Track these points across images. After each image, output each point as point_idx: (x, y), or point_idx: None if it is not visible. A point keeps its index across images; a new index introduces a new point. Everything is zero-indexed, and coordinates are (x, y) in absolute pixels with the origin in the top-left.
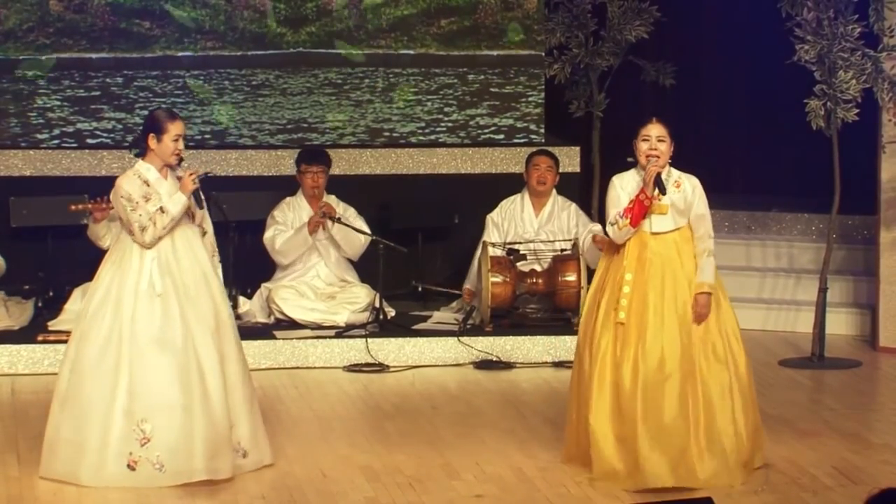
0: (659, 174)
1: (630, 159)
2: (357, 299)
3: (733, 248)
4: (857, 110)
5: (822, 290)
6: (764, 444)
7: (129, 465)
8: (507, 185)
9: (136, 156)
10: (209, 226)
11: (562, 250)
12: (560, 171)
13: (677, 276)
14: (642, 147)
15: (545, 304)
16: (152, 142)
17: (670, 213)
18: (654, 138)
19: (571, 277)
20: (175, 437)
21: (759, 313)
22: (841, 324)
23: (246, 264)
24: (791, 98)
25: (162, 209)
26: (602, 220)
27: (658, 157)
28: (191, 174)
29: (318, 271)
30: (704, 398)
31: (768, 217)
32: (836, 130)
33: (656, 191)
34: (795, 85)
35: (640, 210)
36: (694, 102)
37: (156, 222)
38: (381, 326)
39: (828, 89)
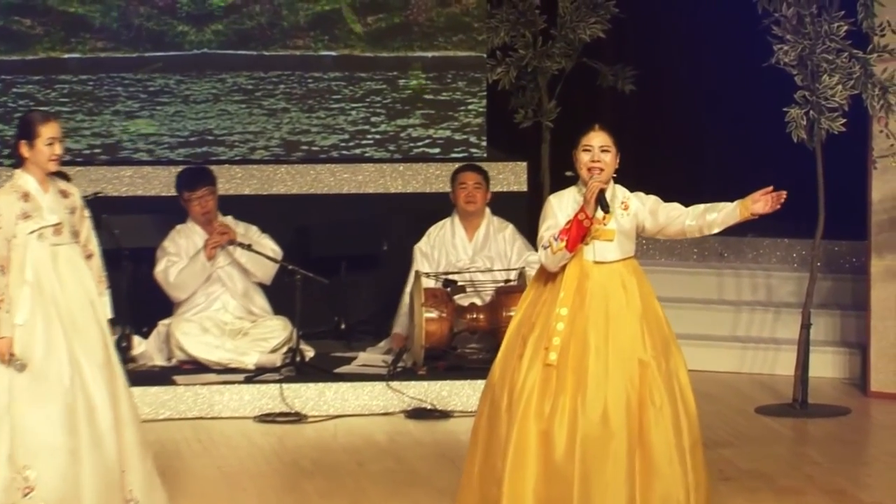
0: (602, 190)
1: (569, 173)
2: (272, 335)
3: (703, 278)
4: (844, 120)
5: (805, 327)
6: None
7: None
8: (444, 205)
9: (13, 166)
10: (95, 247)
11: (506, 281)
12: (505, 189)
13: (622, 314)
14: (583, 158)
15: (487, 344)
16: (24, 149)
17: (617, 240)
18: (597, 148)
19: None
20: (60, 485)
21: (732, 353)
22: (826, 365)
23: (142, 299)
24: (768, 106)
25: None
26: None
27: (602, 169)
28: None
29: (224, 303)
30: (651, 461)
31: (743, 242)
32: (819, 143)
33: (599, 210)
34: (773, 91)
35: (578, 232)
36: (657, 111)
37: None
38: (298, 370)
39: (810, 96)
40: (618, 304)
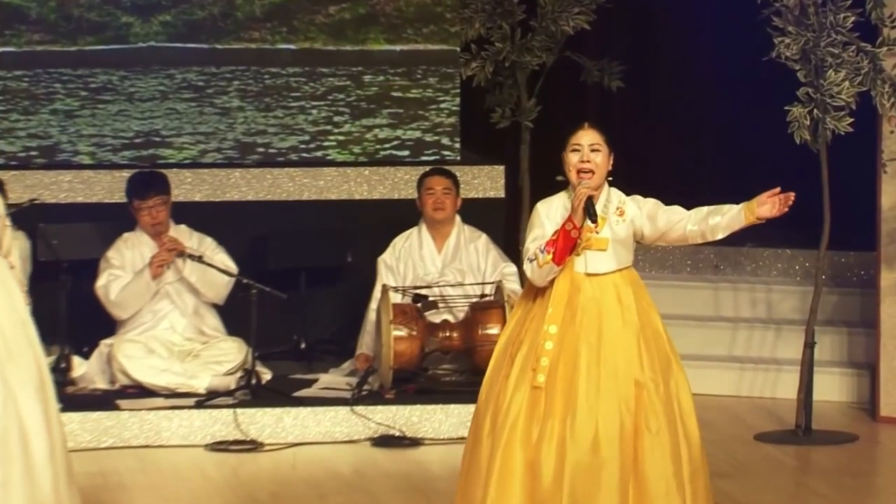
0: (591, 197)
1: (560, 178)
2: (225, 357)
3: (697, 292)
4: (851, 120)
5: (809, 346)
6: None
7: None
8: (414, 213)
9: None
10: (16, 258)
11: (481, 295)
12: (480, 195)
13: (617, 331)
14: (571, 160)
15: (462, 365)
16: None
17: (611, 250)
18: (587, 147)
19: (494, 330)
20: None
21: (729, 375)
22: (832, 388)
23: (83, 315)
24: (769, 105)
25: None
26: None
27: (591, 171)
28: None
29: (172, 322)
30: (646, 492)
31: (741, 253)
32: (824, 144)
33: (587, 219)
34: (774, 88)
35: (565, 243)
36: (647, 110)
37: None
38: (254, 393)
39: (814, 93)
40: (612, 319)
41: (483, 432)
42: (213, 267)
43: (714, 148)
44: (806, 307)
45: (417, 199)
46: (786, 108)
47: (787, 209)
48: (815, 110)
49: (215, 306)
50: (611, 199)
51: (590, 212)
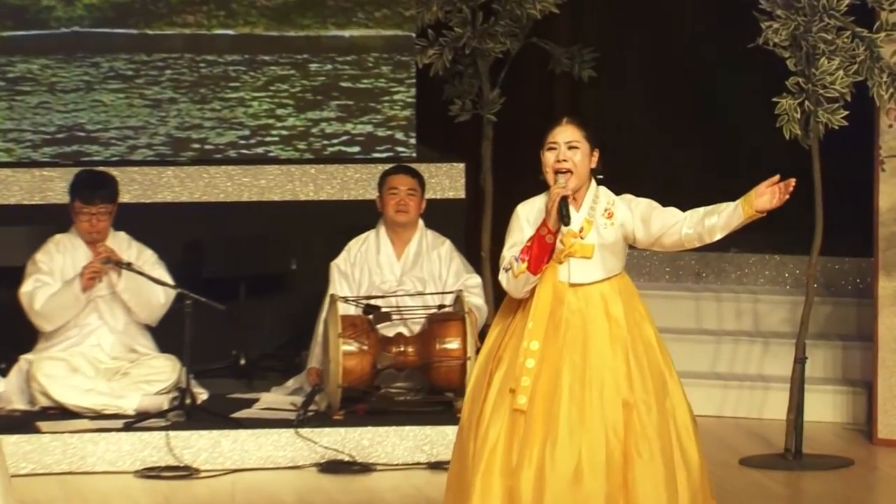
0: (565, 197)
1: (541, 177)
2: (156, 376)
3: (677, 303)
4: (846, 112)
5: (800, 361)
6: None
7: None
8: (365, 216)
9: None
10: None
11: (440, 307)
12: (439, 196)
13: (604, 347)
14: (548, 159)
15: (417, 383)
16: None
17: (598, 257)
18: (563, 145)
19: (454, 345)
20: None
21: (712, 393)
22: (825, 407)
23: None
24: (756, 96)
25: None
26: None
27: (569, 171)
28: None
29: (100, 339)
30: None
31: (724, 259)
32: (817, 140)
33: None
34: (761, 78)
35: (540, 250)
36: (622, 102)
37: None
38: (189, 414)
39: (805, 83)
40: (599, 334)
41: (468, 456)
42: (144, 275)
43: (696, 143)
44: (796, 319)
45: (378, 199)
46: (774, 99)
47: (787, 197)
48: (807, 102)
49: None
50: (598, 199)
51: (562, 213)
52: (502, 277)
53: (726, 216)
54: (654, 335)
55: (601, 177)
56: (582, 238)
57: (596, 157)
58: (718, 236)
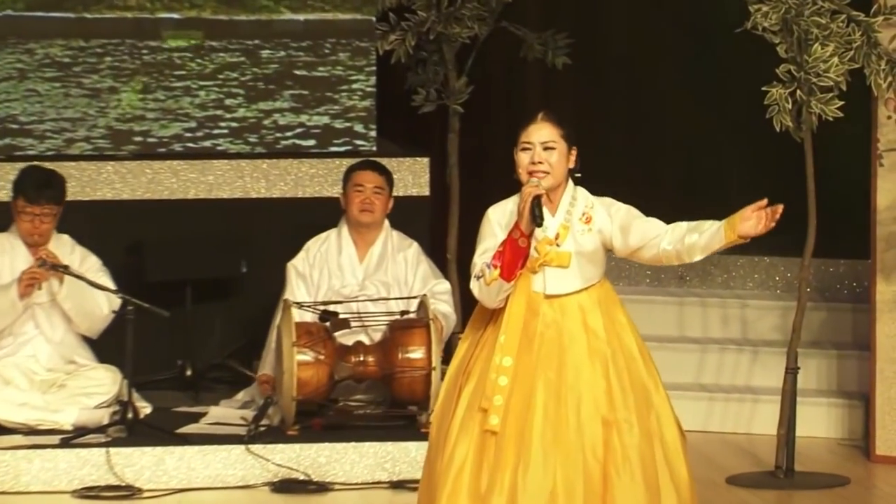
0: (538, 197)
1: (517, 176)
2: (96, 388)
3: (658, 308)
4: (841, 103)
5: (791, 372)
6: None
7: None
8: (322, 214)
9: None
10: None
11: (402, 312)
12: (401, 193)
13: (582, 362)
14: (522, 160)
15: (378, 395)
16: None
17: (575, 265)
18: (538, 146)
19: (417, 354)
20: None
21: (697, 406)
22: (819, 422)
23: None
24: (743, 85)
25: None
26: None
27: (546, 173)
28: None
29: (36, 349)
30: None
31: (710, 262)
32: (810, 132)
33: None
34: (749, 66)
35: (513, 255)
36: (599, 92)
37: None
38: (131, 430)
39: (797, 71)
40: (576, 348)
41: (435, 479)
42: (84, 280)
43: (677, 136)
44: (787, 326)
45: (342, 196)
46: (763, 88)
47: (773, 225)
48: (799, 91)
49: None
50: (576, 201)
51: (534, 214)
52: (474, 286)
53: (707, 237)
54: (636, 346)
55: (579, 175)
56: (558, 245)
57: (573, 156)
58: (698, 257)
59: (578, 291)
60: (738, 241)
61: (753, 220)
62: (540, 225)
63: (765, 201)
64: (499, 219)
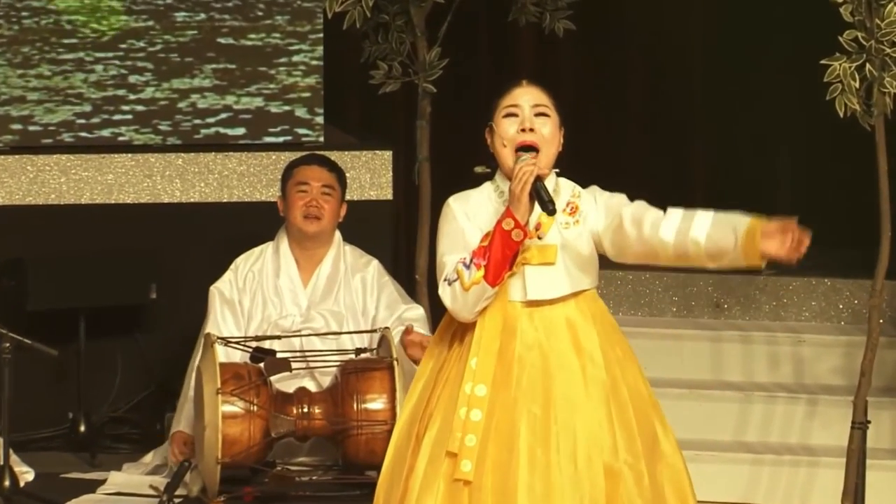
0: (540, 178)
1: (480, 169)
2: None
3: (689, 345)
4: None
5: (860, 427)
6: None
7: None
8: (253, 224)
9: None
10: None
11: (358, 351)
12: (357, 196)
13: (576, 393)
14: (506, 130)
15: (327, 457)
16: None
17: (561, 263)
18: (529, 110)
19: (377, 405)
20: None
21: (738, 471)
22: (894, 489)
23: None
24: (794, 57)
25: None
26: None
27: (535, 150)
28: None
29: None
30: None
31: (754, 285)
32: (882, 119)
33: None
34: (804, 31)
35: (504, 251)
36: (606, 63)
37: None
38: (9, 501)
39: (867, 39)
40: (567, 376)
41: None
42: None
43: (704, 119)
44: (854, 368)
45: (280, 199)
46: (822, 62)
47: (797, 255)
48: (869, 65)
49: None
50: (559, 191)
51: (542, 198)
52: (444, 292)
53: (720, 242)
54: (640, 378)
55: (557, 171)
56: (540, 238)
57: (562, 135)
58: (708, 264)
59: (566, 299)
60: (757, 263)
61: (778, 240)
62: (552, 212)
63: (794, 221)
64: (464, 209)
